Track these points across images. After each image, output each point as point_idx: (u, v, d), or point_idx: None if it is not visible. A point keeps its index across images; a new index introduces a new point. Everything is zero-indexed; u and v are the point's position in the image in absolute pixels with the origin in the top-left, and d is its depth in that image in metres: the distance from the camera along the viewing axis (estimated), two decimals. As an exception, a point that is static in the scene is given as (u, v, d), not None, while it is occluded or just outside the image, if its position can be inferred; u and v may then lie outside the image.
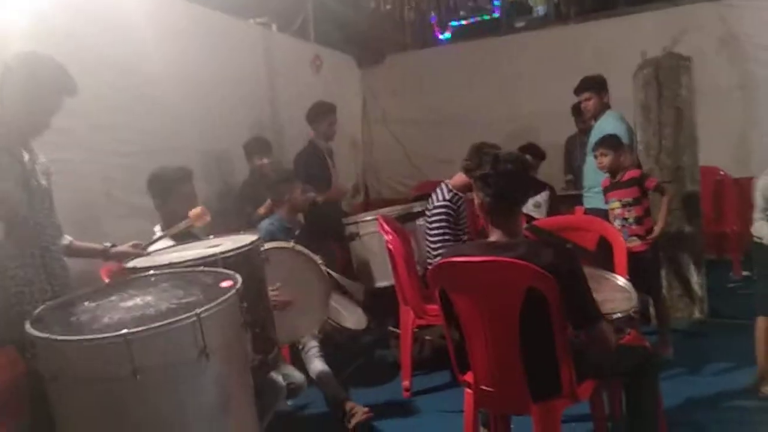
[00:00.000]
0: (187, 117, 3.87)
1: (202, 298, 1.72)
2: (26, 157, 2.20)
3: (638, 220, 3.51)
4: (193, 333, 1.58)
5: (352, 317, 3.65)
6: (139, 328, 1.53)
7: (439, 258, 2.59)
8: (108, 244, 2.49)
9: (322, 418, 3.17)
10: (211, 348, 1.61)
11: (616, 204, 3.56)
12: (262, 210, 3.87)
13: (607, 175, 3.63)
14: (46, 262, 2.19)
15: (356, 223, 4.21)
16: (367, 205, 6.09)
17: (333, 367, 3.25)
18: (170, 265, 2.10)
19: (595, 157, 3.60)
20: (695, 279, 4.03)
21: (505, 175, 2.14)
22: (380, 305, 4.00)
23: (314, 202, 4.14)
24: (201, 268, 2.01)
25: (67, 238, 2.43)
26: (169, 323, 1.56)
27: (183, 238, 2.77)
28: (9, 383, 2.36)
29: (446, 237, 3.37)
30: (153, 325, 1.54)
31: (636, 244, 3.46)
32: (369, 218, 4.14)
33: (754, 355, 2.95)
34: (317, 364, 3.23)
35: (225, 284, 1.81)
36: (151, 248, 2.55)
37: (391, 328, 3.92)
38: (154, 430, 1.61)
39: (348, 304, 3.73)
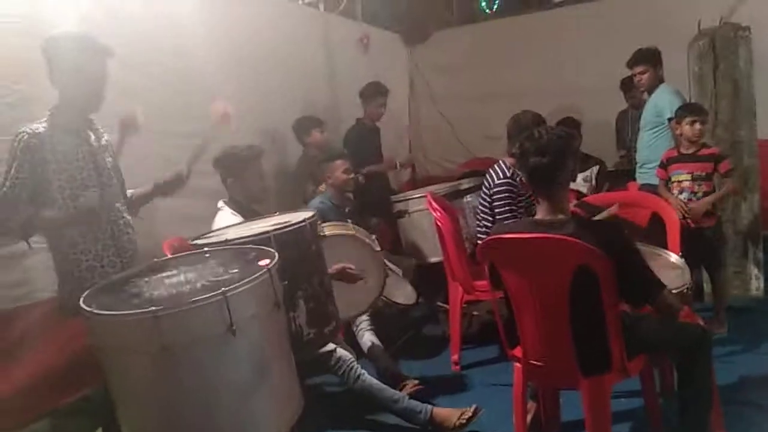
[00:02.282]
0: (242, 99, 3.95)
1: (237, 275, 1.78)
2: (92, 136, 2.33)
3: (706, 196, 3.44)
4: (219, 311, 1.63)
5: (402, 292, 3.74)
6: (165, 307, 1.60)
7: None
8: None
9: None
10: (239, 325, 1.66)
11: (685, 177, 3.48)
12: (321, 188, 3.96)
13: (671, 147, 3.55)
14: (115, 236, 2.32)
15: (405, 200, 4.27)
16: (415, 183, 6.13)
17: (383, 340, 3.34)
18: (225, 242, 2.19)
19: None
20: (752, 255, 3.93)
21: (540, 152, 2.10)
22: (429, 281, 4.07)
23: (365, 178, 4.20)
24: (249, 245, 2.07)
25: (128, 192, 2.54)
26: (196, 302, 1.62)
27: (244, 212, 2.90)
28: (82, 352, 2.54)
29: (512, 213, 3.35)
30: (180, 304, 1.62)
31: (701, 220, 3.41)
32: (417, 196, 4.19)
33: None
34: (368, 338, 3.33)
35: (263, 262, 1.86)
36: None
37: (439, 304, 3.98)
38: (187, 403, 1.69)
39: (398, 280, 3.81)
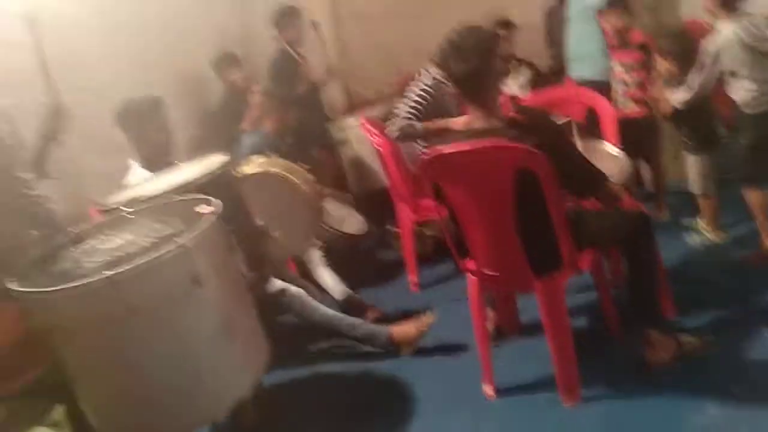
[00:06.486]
0: (152, 44, 3.70)
1: (182, 228, 1.70)
2: None
3: (640, 85, 3.43)
4: (182, 263, 1.58)
5: (351, 223, 3.69)
6: (124, 268, 1.52)
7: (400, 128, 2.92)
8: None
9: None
10: (202, 275, 1.61)
11: (620, 68, 3.46)
12: (245, 124, 3.78)
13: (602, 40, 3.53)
14: (28, 209, 2.14)
15: (342, 129, 4.16)
16: (351, 108, 5.97)
17: (340, 272, 3.32)
18: (145, 200, 2.06)
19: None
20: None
21: (460, 51, 2.02)
22: (376, 208, 4.02)
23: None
24: (176, 198, 1.97)
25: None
26: (156, 258, 1.54)
27: (154, 166, 2.72)
28: (15, 341, 2.40)
29: (409, 115, 3.07)
30: (139, 263, 1.53)
31: (633, 109, 3.41)
32: (354, 122, 4.08)
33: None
34: (323, 273, 3.31)
35: (204, 210, 1.79)
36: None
37: (389, 228, 3.95)
38: (161, 363, 1.63)
39: (346, 211, 3.76)
